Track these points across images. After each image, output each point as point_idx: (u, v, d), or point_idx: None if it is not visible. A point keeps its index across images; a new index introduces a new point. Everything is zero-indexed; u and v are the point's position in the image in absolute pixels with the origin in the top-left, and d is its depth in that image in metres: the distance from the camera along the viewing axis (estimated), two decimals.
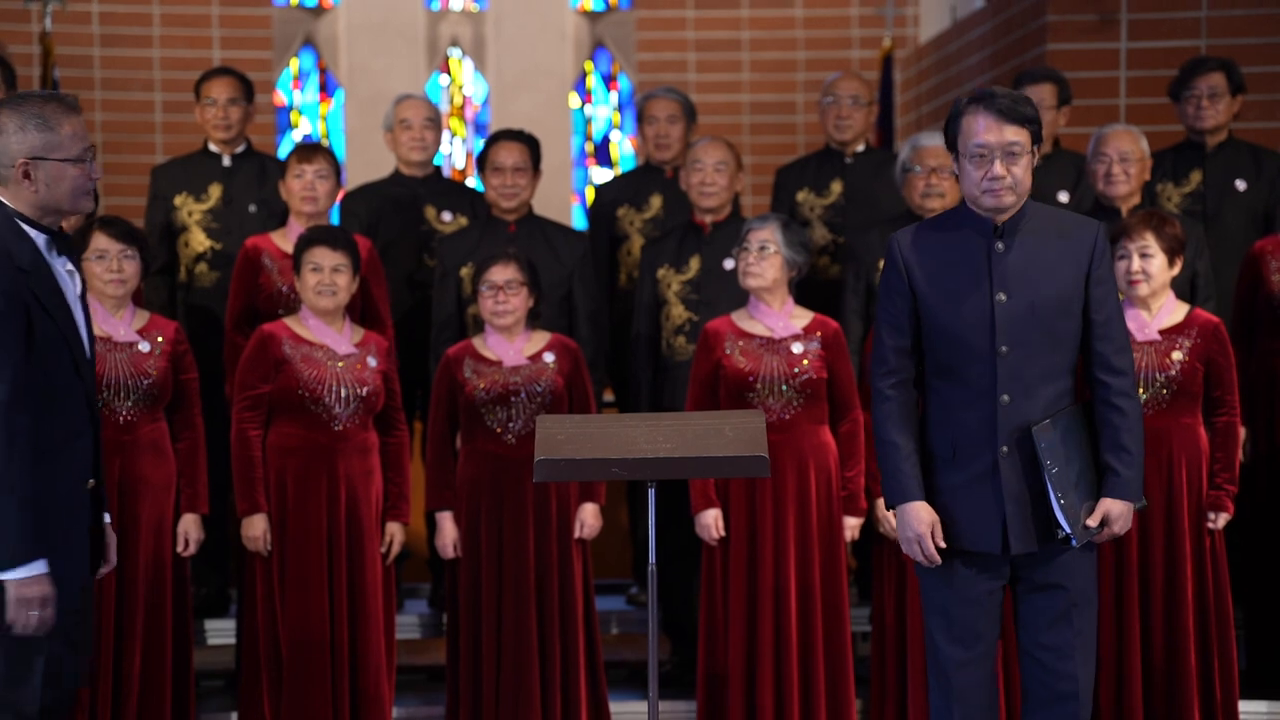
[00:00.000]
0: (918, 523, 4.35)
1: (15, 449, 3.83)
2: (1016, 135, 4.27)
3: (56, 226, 4.01)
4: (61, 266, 4.01)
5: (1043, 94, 6.66)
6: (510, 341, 5.82)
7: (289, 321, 5.76)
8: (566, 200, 11.36)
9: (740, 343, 5.71)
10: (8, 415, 3.82)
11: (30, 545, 3.85)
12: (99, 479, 4.07)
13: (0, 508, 3.82)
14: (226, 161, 6.72)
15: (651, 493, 4.50)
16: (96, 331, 5.43)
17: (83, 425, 4.01)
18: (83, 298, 4.08)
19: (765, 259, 5.70)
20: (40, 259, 3.95)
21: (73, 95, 4.06)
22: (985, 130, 4.27)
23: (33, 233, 3.96)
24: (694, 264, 6.32)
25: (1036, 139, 4.32)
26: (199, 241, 6.64)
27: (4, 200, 3.96)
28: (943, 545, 4.35)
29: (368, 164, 7.25)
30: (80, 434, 4.01)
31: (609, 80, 11.76)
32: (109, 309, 5.54)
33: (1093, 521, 4.34)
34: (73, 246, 4.07)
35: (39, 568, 3.86)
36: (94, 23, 10.00)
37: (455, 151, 11.59)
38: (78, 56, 9.83)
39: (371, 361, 5.72)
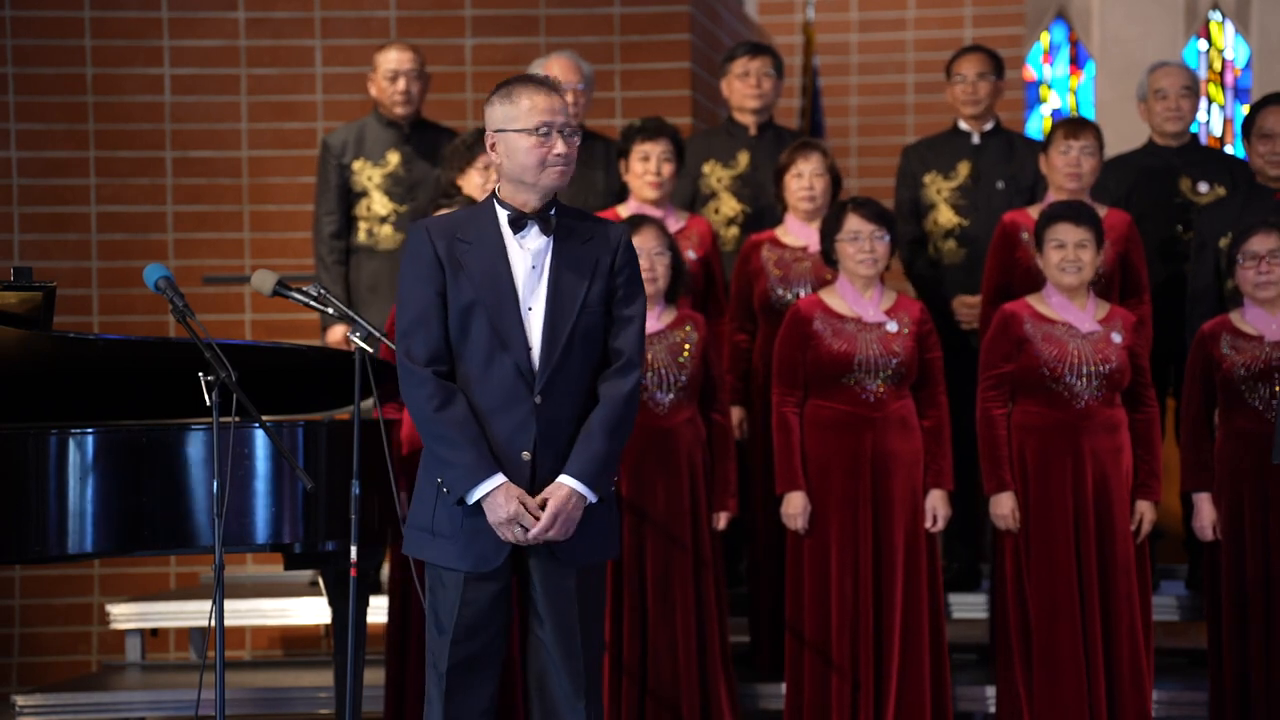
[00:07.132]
0: None
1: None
2: None
3: (528, 204, 4.00)
4: (519, 242, 4.00)
5: None
6: (1272, 314, 5.56)
7: (1031, 299, 5.73)
8: None
9: None
10: None
11: None
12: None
13: None
14: (975, 139, 6.76)
15: None
16: (846, 312, 5.61)
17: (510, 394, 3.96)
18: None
19: None
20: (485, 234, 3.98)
21: (551, 77, 4.05)
22: None
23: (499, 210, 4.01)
24: None
25: None
26: (947, 218, 6.71)
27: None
28: None
29: (1119, 136, 7.09)
30: (507, 403, 3.96)
31: None
32: (858, 289, 5.67)
33: None
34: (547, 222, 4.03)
35: None
36: (852, 9, 10.29)
37: (1213, 119, 11.16)
38: (836, 43, 10.15)
39: (1116, 338, 5.61)
